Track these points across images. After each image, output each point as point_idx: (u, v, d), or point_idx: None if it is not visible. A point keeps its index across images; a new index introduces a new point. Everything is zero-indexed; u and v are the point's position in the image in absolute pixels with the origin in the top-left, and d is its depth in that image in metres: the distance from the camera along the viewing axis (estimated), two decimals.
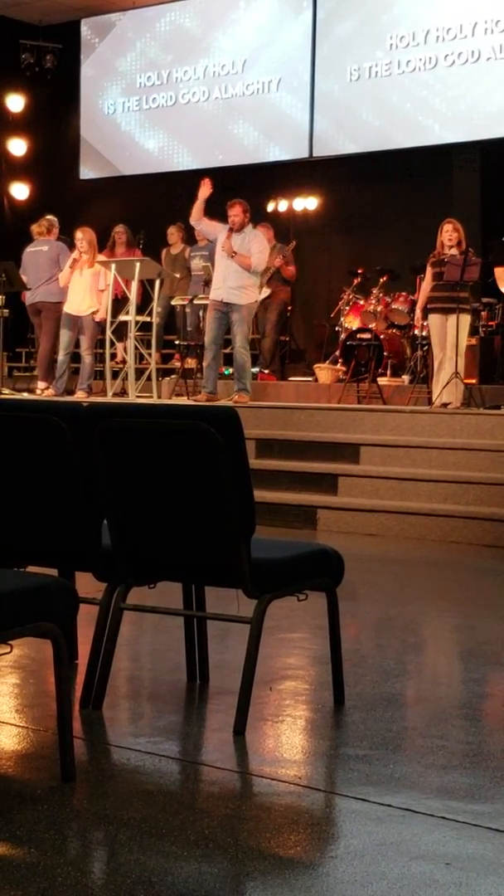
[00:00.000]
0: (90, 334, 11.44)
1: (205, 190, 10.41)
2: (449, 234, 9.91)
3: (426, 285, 10.18)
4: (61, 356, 11.43)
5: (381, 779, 3.17)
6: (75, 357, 11.68)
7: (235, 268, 10.15)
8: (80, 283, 11.32)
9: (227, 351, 11.05)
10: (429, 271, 10.12)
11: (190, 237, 12.81)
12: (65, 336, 11.38)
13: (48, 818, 2.81)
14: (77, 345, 11.53)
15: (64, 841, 2.72)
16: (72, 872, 2.51)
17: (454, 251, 9.82)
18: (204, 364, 10.56)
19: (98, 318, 11.38)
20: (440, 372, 9.80)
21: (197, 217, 10.55)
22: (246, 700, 3.51)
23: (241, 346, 10.26)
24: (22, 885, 2.44)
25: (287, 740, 3.62)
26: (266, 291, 12.01)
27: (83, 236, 11.35)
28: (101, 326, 11.50)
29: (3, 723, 3.62)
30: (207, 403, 9.67)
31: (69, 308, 11.35)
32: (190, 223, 11.00)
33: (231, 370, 10.91)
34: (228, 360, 11.20)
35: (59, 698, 3.10)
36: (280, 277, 12.40)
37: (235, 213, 10.23)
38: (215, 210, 10.53)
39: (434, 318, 9.93)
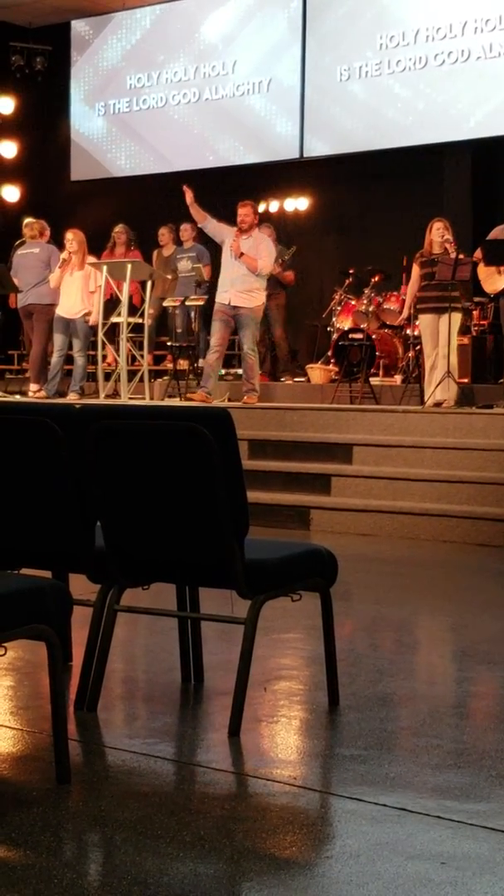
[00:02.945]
0: (83, 337, 11.43)
1: (188, 196, 10.33)
2: (440, 232, 9.88)
3: (413, 285, 10.16)
4: (55, 358, 11.43)
5: (376, 778, 3.17)
6: (68, 359, 11.68)
7: (243, 271, 10.08)
8: (72, 285, 11.30)
9: (229, 352, 11.05)
10: (416, 271, 10.08)
11: (179, 238, 12.79)
12: (58, 339, 11.38)
13: (43, 820, 2.81)
14: (70, 347, 11.53)
15: (59, 843, 2.72)
16: (67, 874, 2.51)
17: (447, 248, 9.77)
18: (207, 363, 10.48)
19: (91, 321, 11.35)
20: (432, 371, 9.79)
21: (199, 219, 10.44)
22: (240, 701, 3.51)
23: (250, 349, 10.25)
24: (18, 887, 2.43)
25: (282, 741, 3.62)
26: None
27: (73, 237, 11.33)
28: (94, 329, 11.49)
29: None
30: (201, 404, 9.65)
31: (61, 311, 11.33)
32: (199, 226, 10.90)
33: (240, 372, 10.91)
34: (227, 362, 11.19)
35: (54, 700, 3.09)
36: (277, 282, 12.32)
37: (246, 213, 10.18)
38: (216, 210, 10.46)
39: (425, 318, 9.92)
